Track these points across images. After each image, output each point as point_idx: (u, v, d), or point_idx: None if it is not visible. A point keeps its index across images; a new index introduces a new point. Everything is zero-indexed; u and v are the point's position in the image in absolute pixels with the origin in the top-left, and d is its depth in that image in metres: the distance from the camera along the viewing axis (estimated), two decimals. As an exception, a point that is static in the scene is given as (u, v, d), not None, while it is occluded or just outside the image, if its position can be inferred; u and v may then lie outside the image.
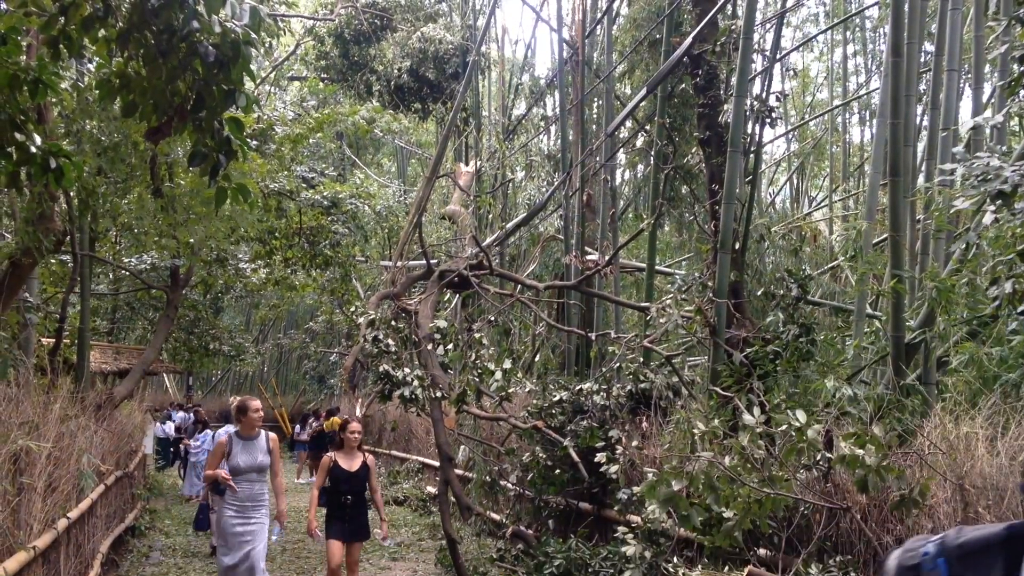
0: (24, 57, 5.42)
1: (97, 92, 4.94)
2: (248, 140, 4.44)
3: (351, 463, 7.68)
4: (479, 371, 9.30)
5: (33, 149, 4.77)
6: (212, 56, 3.86)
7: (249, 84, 5.09)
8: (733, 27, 8.36)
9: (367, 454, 7.90)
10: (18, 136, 4.76)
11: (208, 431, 15.95)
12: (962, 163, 5.16)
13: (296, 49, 19.38)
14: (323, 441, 19.89)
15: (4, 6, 5.37)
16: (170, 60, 3.98)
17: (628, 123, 14.33)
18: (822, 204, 22.08)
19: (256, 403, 7.32)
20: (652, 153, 11.54)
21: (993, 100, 9.41)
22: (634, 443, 8.04)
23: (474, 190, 16.80)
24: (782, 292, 7.84)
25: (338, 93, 20.00)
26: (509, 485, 9.94)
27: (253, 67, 4.18)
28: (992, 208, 4.86)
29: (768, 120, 8.55)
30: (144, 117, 4.24)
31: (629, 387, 8.69)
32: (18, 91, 4.86)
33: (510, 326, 11.88)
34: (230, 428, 8.07)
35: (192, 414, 20.94)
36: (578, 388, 9.04)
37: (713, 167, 8.68)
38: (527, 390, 10.17)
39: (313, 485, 7.79)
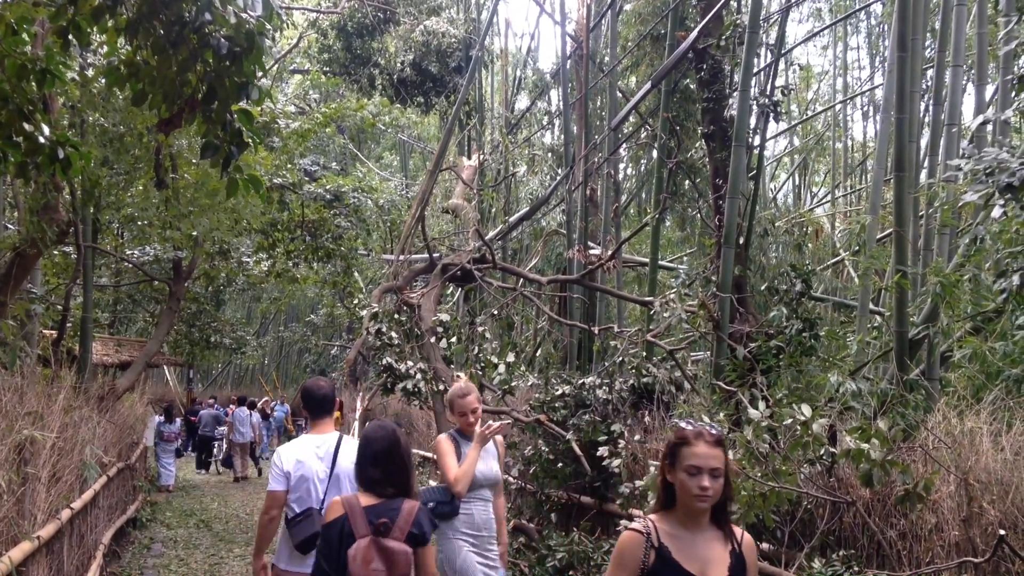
0: (30, 47, 5.42)
1: (103, 82, 4.93)
2: (258, 132, 4.45)
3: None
4: (482, 365, 9.31)
5: (41, 139, 4.78)
6: (225, 48, 3.85)
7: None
8: (738, 21, 8.36)
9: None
10: (26, 126, 4.77)
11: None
12: (970, 158, 5.16)
13: (299, 42, 19.37)
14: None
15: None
16: (180, 51, 3.99)
17: (632, 118, 14.31)
18: (824, 200, 22.09)
19: (471, 397, 4.99)
20: (656, 148, 11.54)
21: (996, 96, 9.40)
22: (636, 437, 8.04)
23: (477, 184, 16.81)
24: (785, 287, 7.84)
25: (340, 86, 19.99)
26: (511, 479, 9.95)
27: (264, 59, 4.18)
28: (1001, 202, 4.86)
29: (773, 115, 8.55)
30: (154, 106, 4.25)
31: (632, 381, 8.69)
32: (25, 81, 4.86)
33: (513, 320, 11.88)
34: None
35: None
36: (581, 382, 9.04)
37: (717, 162, 8.68)
38: (529, 384, 10.18)
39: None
